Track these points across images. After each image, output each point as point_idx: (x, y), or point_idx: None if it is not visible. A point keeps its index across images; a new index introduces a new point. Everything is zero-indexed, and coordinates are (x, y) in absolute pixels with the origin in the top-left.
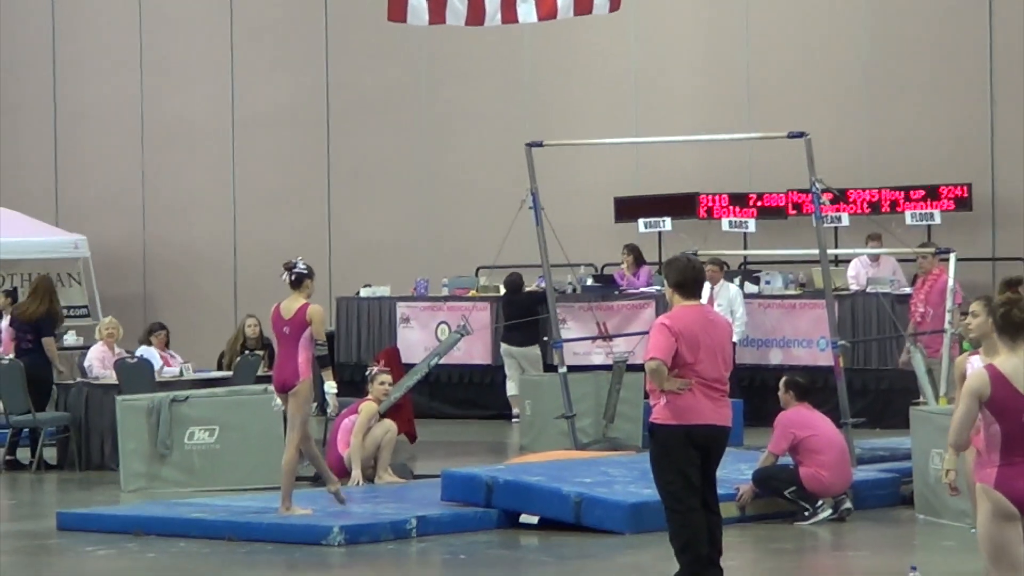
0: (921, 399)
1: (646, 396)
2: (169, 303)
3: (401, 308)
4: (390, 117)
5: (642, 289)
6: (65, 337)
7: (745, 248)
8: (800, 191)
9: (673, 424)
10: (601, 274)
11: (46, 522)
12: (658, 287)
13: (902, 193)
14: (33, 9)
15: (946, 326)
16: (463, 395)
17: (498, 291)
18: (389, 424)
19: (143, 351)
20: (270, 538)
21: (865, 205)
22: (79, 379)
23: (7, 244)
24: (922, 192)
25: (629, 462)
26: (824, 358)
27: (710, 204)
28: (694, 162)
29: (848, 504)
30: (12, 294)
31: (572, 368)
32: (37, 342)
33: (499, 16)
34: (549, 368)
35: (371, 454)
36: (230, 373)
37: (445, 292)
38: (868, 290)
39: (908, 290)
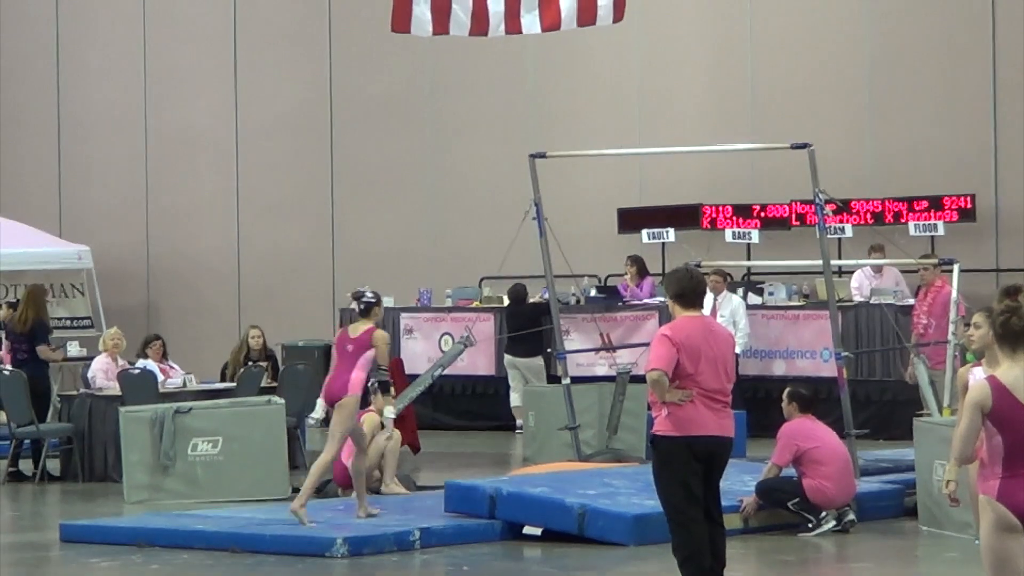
0: (924, 410)
1: (649, 407)
2: (173, 314)
3: (404, 319)
4: (394, 127)
5: (645, 300)
6: (68, 348)
7: (748, 259)
8: (804, 202)
9: (674, 435)
10: (604, 285)
11: (49, 534)
12: (661, 298)
13: (905, 204)
14: (37, 19)
15: (949, 337)
16: (466, 406)
17: (502, 302)
18: (394, 432)
19: (142, 364)
20: (273, 550)
21: (868, 216)
22: (82, 390)
23: (10, 255)
24: (925, 203)
25: (632, 473)
26: (828, 369)
27: (713, 215)
28: (697, 173)
29: (851, 516)
30: (15, 305)
31: (576, 379)
32: (32, 352)
33: (503, 27)
34: (553, 379)
35: (375, 464)
36: (233, 384)
37: (449, 303)
38: (871, 301)
39: (911, 301)
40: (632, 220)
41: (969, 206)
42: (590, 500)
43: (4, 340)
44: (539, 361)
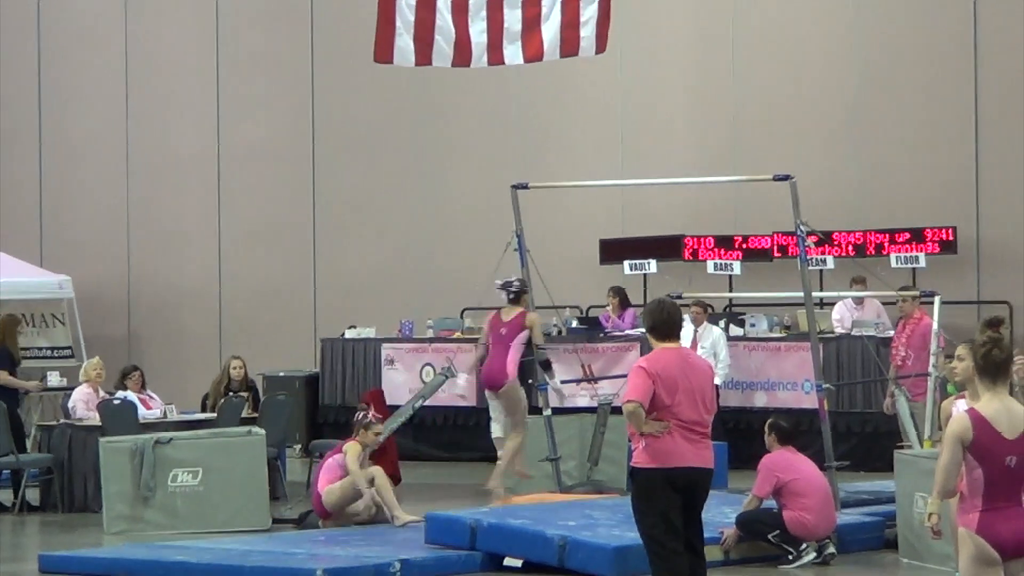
0: (905, 442)
1: (630, 439)
2: (154, 343)
3: (386, 350)
4: (376, 156)
5: (627, 331)
6: (49, 378)
7: (730, 290)
8: (785, 233)
9: (652, 467)
10: (586, 316)
11: (28, 564)
12: (643, 329)
13: (887, 236)
14: (18, 45)
15: (930, 369)
16: (448, 437)
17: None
18: (375, 470)
19: (122, 395)
20: None
21: (850, 247)
22: (62, 420)
23: None
24: (907, 235)
25: (613, 505)
26: (809, 401)
27: (695, 246)
28: (679, 204)
29: (832, 548)
30: None
31: (557, 410)
32: None
33: (485, 57)
34: (534, 410)
35: (349, 497)
36: (214, 415)
37: (430, 333)
38: (853, 333)
39: (893, 333)
40: (614, 251)
41: (950, 238)
42: (571, 532)
43: None
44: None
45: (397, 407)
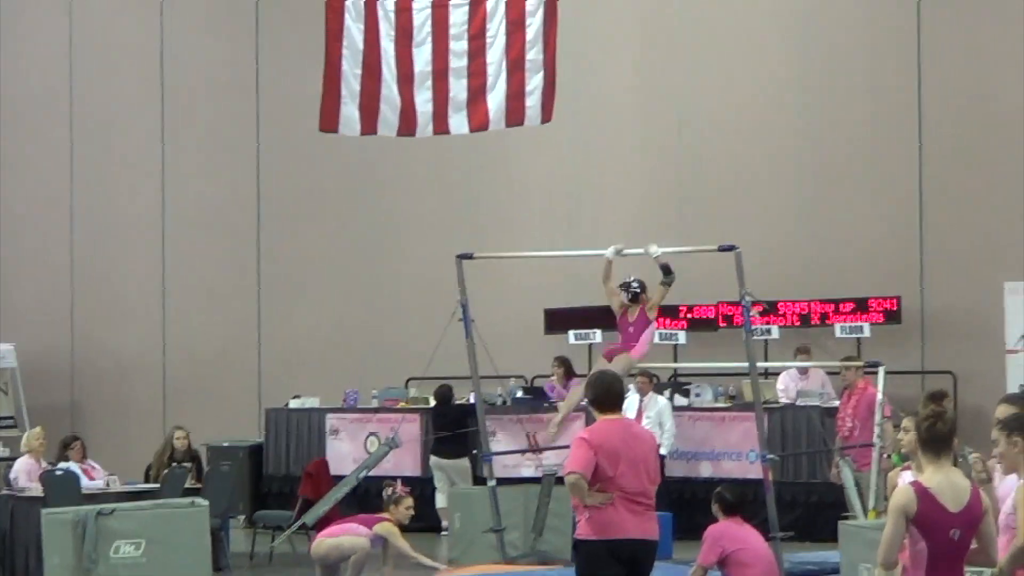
0: (850, 513)
1: (575, 509)
2: (97, 413)
3: (330, 420)
4: (321, 224)
5: None
6: None
7: (675, 360)
8: (731, 303)
9: (595, 539)
10: (531, 386)
11: None
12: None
13: (832, 305)
14: None
15: (874, 439)
16: None
17: (428, 403)
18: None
19: (65, 466)
20: None
21: (795, 317)
22: (4, 491)
23: None
24: (852, 304)
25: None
26: (754, 471)
27: None
28: (625, 273)
29: None
30: None
31: (502, 480)
32: None
33: (431, 127)
34: (479, 480)
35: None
36: (157, 486)
37: (375, 403)
38: (798, 403)
39: (837, 403)
40: (559, 320)
41: (895, 308)
42: None
43: None
44: (465, 462)
45: (342, 477)
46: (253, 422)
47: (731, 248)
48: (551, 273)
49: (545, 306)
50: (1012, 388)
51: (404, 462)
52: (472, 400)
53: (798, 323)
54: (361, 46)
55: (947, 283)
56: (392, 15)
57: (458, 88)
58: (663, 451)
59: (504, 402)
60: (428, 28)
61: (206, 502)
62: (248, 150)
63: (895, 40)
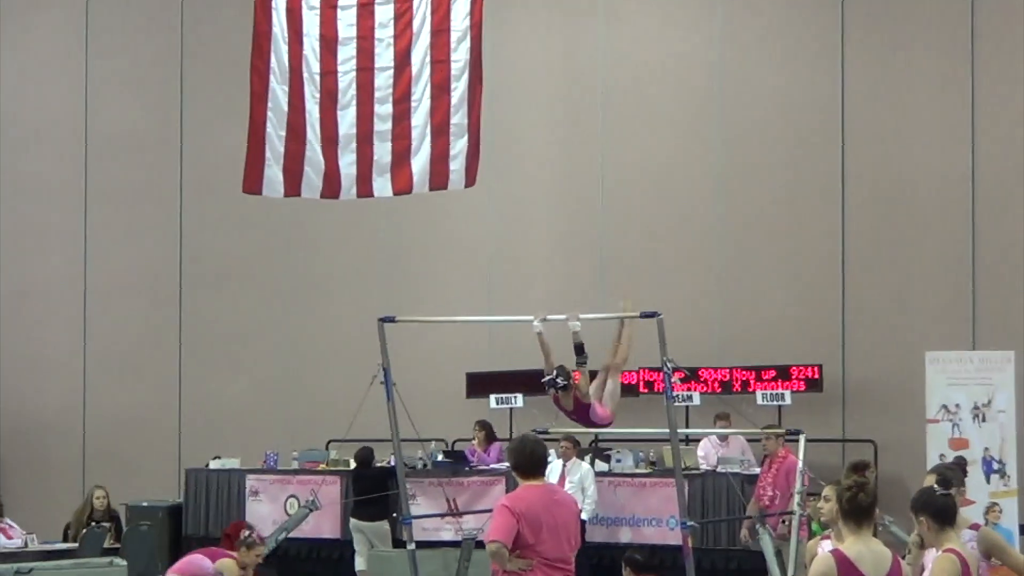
0: None
1: (495, 574)
2: (16, 470)
3: (250, 481)
4: (244, 285)
5: (493, 465)
6: None
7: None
8: (652, 369)
9: None
10: (452, 450)
11: None
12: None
13: (753, 373)
14: None
15: (794, 507)
16: (311, 569)
17: (348, 465)
18: None
19: None
20: None
21: (716, 384)
22: None
23: None
24: (773, 372)
25: None
26: (674, 537)
27: None
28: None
29: None
30: None
31: (421, 544)
32: None
33: (354, 190)
34: (398, 544)
35: None
36: (76, 545)
37: (295, 465)
38: (718, 470)
39: (758, 470)
40: (481, 384)
41: (816, 376)
42: None
43: None
44: (385, 525)
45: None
46: (173, 482)
47: (653, 315)
48: (473, 337)
49: (467, 370)
50: (932, 457)
51: (323, 524)
52: (392, 463)
53: (719, 390)
54: (286, 108)
55: (869, 352)
56: (317, 78)
57: (382, 151)
58: (584, 516)
59: (425, 465)
60: (353, 91)
61: (124, 562)
62: (171, 211)
63: (818, 108)
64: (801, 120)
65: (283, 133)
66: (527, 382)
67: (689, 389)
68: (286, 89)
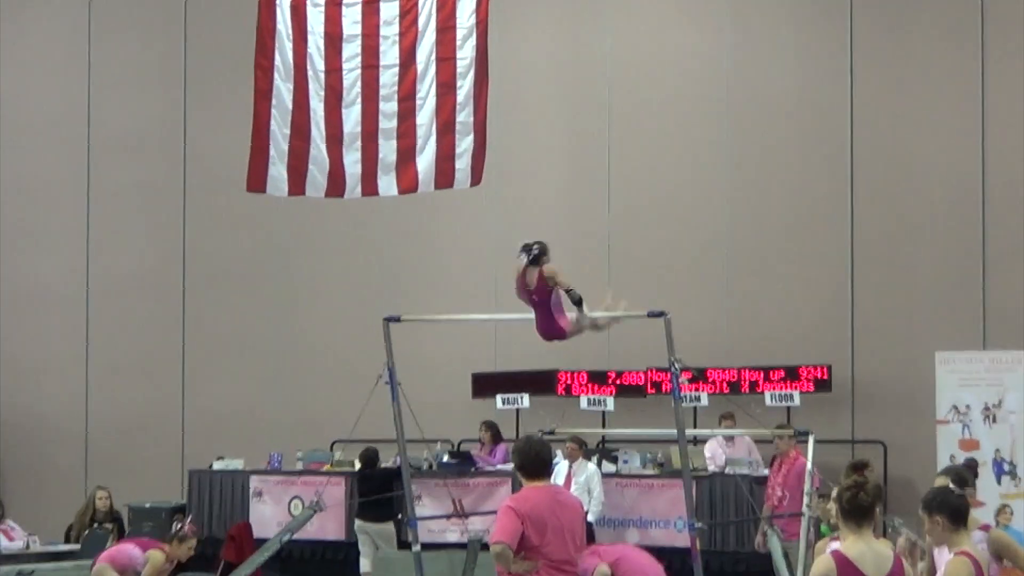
0: None
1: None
2: (18, 473)
3: (254, 482)
4: (248, 285)
5: (499, 466)
6: None
7: (604, 426)
8: (659, 369)
9: None
10: (458, 450)
11: None
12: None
13: (761, 373)
14: None
15: (803, 509)
16: (316, 571)
17: (353, 466)
18: None
19: None
20: None
21: (724, 385)
22: None
23: None
24: (782, 372)
25: None
26: (681, 539)
27: (568, 381)
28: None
29: None
30: None
31: (426, 546)
32: None
33: (359, 189)
34: (403, 545)
35: None
36: (78, 546)
37: (299, 466)
38: (726, 471)
39: (766, 471)
40: (487, 385)
41: (825, 376)
42: None
43: None
44: (390, 527)
45: (265, 540)
46: (176, 483)
47: (661, 314)
48: (479, 337)
49: (473, 370)
50: (943, 458)
51: (328, 526)
52: (398, 464)
53: (727, 390)
54: (290, 106)
55: (878, 352)
56: (322, 75)
57: (387, 149)
58: (591, 518)
59: (430, 466)
60: (358, 89)
61: None
62: (174, 213)
63: (827, 106)
64: (810, 118)
65: (287, 131)
66: (533, 382)
67: (697, 389)
68: (290, 87)
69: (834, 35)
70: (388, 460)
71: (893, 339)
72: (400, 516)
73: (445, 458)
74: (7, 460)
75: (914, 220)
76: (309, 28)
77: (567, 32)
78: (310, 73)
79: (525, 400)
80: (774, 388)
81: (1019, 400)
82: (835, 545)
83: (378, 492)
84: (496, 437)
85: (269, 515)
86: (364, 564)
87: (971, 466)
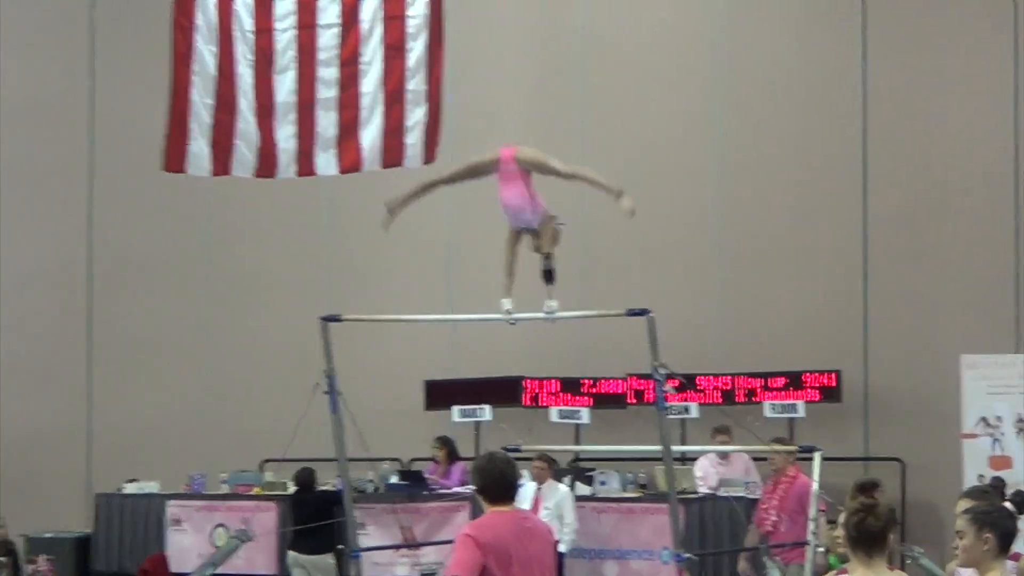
0: None
1: None
2: None
3: (171, 508)
4: (165, 280)
5: (455, 489)
6: None
7: (577, 442)
8: (641, 376)
9: None
10: (408, 470)
11: None
12: (472, 486)
13: (760, 381)
14: None
15: (809, 536)
16: None
17: (286, 489)
18: None
19: None
20: None
21: (717, 394)
22: None
23: None
24: (783, 380)
25: None
26: (667, 572)
27: (537, 390)
28: (518, 342)
29: None
30: None
31: None
32: None
33: (293, 167)
34: None
35: None
36: None
37: (224, 489)
38: (719, 493)
39: None
40: (442, 395)
41: (834, 384)
42: None
43: None
44: (329, 559)
45: (184, 575)
46: (81, 509)
47: (642, 313)
48: (432, 341)
49: (425, 378)
50: (969, 478)
51: (257, 558)
52: (338, 486)
53: (720, 401)
54: (214, 72)
55: (895, 356)
56: (250, 36)
57: (326, 122)
58: (562, 548)
59: (376, 489)
60: (292, 52)
61: None
62: (79, 193)
63: (836, 78)
64: (817, 91)
65: (211, 102)
66: (496, 392)
67: (685, 399)
68: (214, 50)
69: None
70: (327, 482)
71: (912, 341)
72: (341, 547)
73: (393, 479)
74: None
75: (936, 204)
76: None
77: None
78: (236, 34)
79: (486, 412)
80: (774, 398)
81: None
82: None
83: (315, 519)
84: (452, 455)
85: (189, 546)
86: None
87: (997, 487)
